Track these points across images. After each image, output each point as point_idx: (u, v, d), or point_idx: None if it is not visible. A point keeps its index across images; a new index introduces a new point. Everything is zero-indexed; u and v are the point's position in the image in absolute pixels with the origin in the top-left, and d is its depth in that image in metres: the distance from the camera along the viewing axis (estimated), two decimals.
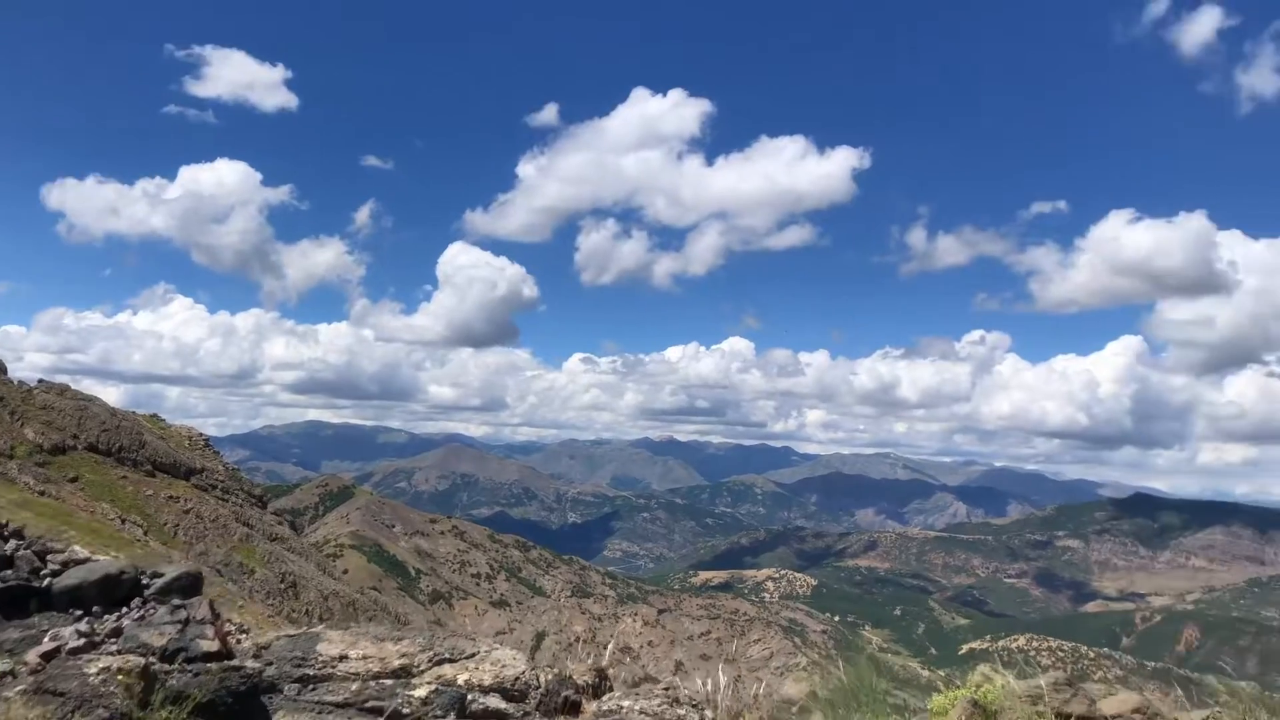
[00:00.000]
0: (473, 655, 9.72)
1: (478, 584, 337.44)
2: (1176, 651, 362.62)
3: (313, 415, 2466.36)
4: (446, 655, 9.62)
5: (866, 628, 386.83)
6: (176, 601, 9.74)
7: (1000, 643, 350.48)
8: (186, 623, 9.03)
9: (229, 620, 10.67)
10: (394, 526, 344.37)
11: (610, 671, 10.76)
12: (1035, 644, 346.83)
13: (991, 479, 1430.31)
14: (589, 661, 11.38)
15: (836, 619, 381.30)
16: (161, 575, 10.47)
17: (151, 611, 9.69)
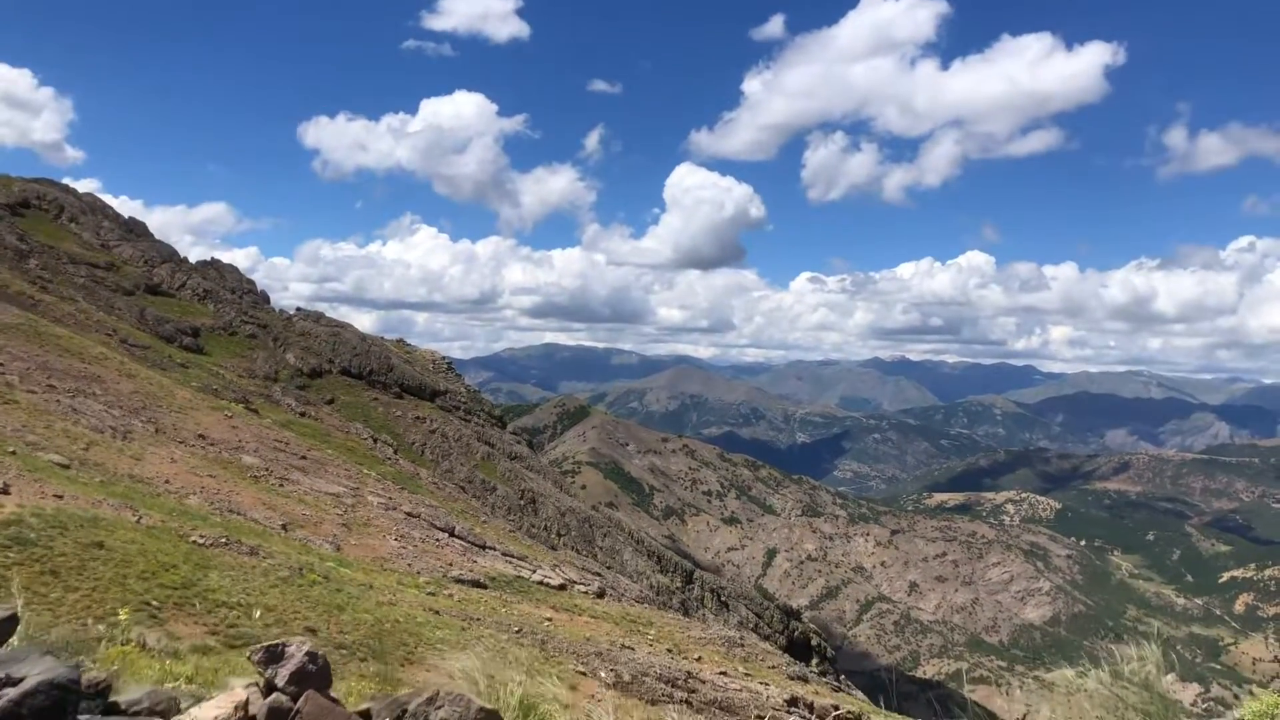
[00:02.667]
0: None
1: (709, 501, 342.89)
2: None
3: (549, 338, 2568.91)
4: None
5: (1115, 553, 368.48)
6: None
7: (1267, 571, 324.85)
8: None
9: None
10: (628, 445, 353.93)
11: None
12: None
13: (1259, 397, 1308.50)
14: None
15: (1082, 543, 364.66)
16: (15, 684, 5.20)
17: None
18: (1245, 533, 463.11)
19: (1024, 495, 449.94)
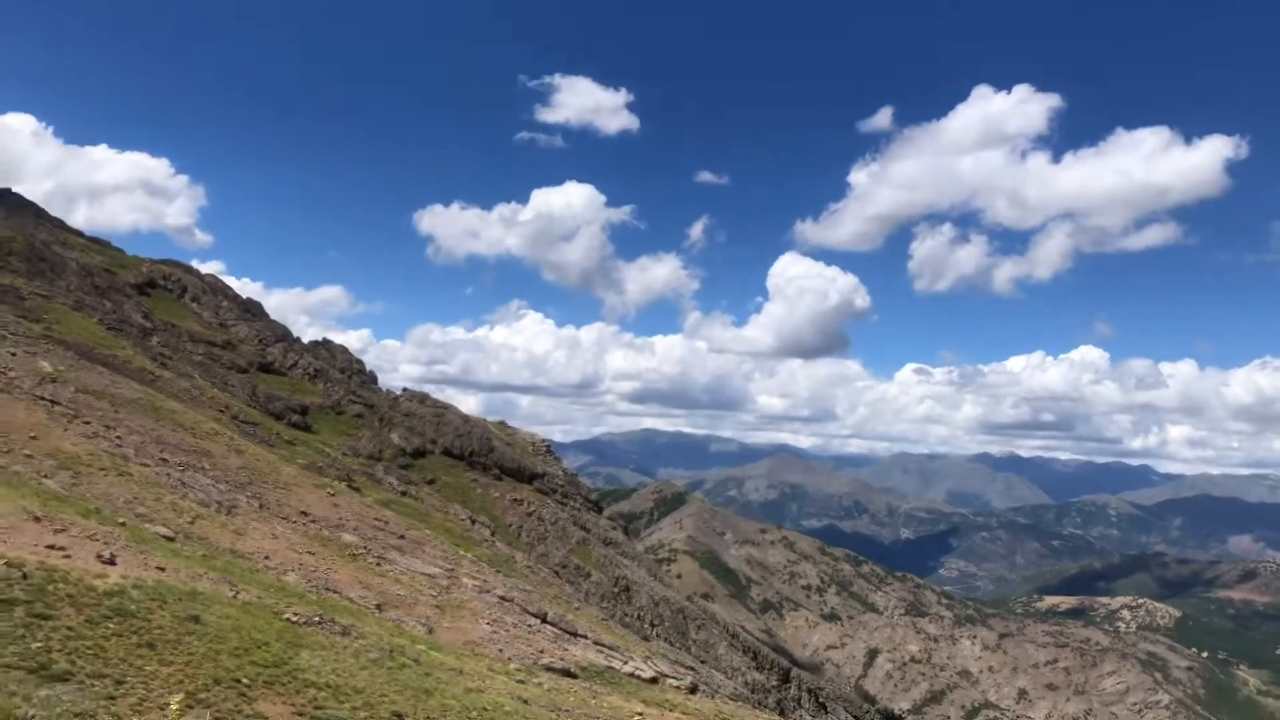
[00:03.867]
0: None
1: (808, 596, 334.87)
2: None
3: (649, 424, 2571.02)
4: None
5: (1241, 667, 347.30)
6: None
7: None
8: None
9: None
10: (725, 534, 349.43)
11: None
12: None
13: None
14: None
15: (1205, 655, 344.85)
16: None
17: None
18: None
19: (1141, 601, 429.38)
